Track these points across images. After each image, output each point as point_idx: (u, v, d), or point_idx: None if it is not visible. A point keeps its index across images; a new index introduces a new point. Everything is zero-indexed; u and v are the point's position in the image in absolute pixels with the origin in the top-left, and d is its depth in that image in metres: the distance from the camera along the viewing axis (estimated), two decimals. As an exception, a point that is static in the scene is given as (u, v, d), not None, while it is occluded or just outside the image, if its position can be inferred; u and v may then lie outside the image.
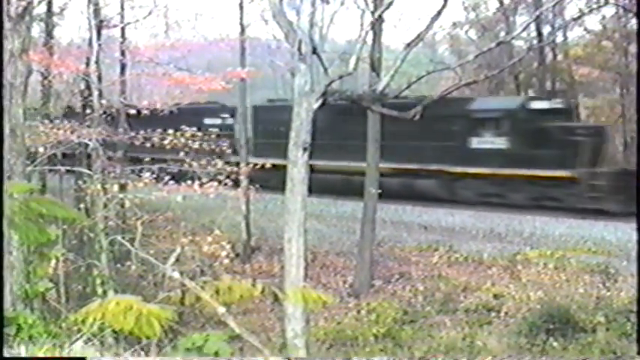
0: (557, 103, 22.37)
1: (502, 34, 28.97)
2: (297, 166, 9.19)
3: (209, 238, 14.36)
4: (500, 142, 20.51)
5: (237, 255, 19.39)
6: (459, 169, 21.31)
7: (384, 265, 19.17)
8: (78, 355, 5.17)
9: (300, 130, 9.07)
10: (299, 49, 8.75)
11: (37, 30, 19.86)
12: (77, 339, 6.03)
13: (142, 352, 6.09)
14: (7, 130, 6.48)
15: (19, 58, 6.79)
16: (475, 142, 20.97)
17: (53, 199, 4.69)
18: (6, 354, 3.74)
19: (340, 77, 9.66)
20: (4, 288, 3.28)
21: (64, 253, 12.21)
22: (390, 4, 10.67)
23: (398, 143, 19.85)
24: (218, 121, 23.42)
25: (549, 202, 20.24)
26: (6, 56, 6.59)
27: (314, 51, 8.97)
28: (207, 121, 21.51)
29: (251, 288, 7.80)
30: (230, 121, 24.64)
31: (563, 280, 16.89)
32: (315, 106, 9.12)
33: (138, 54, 17.84)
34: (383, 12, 12.04)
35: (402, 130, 18.64)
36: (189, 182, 14.67)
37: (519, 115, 21.01)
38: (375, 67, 15.49)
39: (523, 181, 19.82)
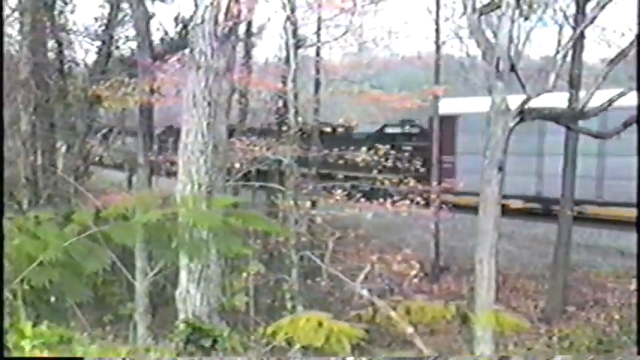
0: (408, 128, 28.67)
1: None
2: (491, 185, 8.97)
3: (398, 257, 14.30)
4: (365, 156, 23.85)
5: (426, 274, 19.20)
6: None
7: (577, 290, 18.29)
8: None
9: (495, 149, 8.86)
10: (497, 66, 8.55)
11: (237, 49, 20.68)
12: (267, 352, 6.14)
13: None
14: (210, 146, 6.71)
15: (224, 76, 6.99)
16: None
17: (256, 213, 4.79)
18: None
19: (538, 95, 9.33)
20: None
21: (259, 268, 12.61)
22: (594, 19, 10.22)
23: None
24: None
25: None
26: (211, 75, 6.81)
27: (512, 68, 8.75)
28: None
29: (443, 309, 7.66)
30: None
31: None
32: (511, 124, 8.88)
33: (332, 72, 18.10)
34: (585, 28, 11.58)
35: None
36: (381, 200, 14.68)
37: (376, 137, 25.47)
38: (573, 84, 14.88)
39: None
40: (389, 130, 27.97)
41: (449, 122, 24.36)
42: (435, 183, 18.81)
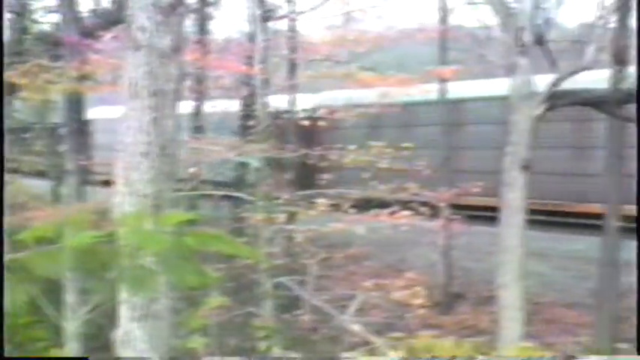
0: None
1: None
2: (515, 190, 9.05)
3: (399, 282, 14.31)
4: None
5: (435, 304, 19.24)
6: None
7: (632, 322, 18.39)
8: None
9: (518, 144, 8.93)
10: (519, 39, 8.63)
11: (188, 23, 20.50)
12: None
13: None
14: (156, 147, 6.67)
15: (172, 58, 6.89)
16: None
17: (216, 232, 4.78)
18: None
19: (572, 74, 9.42)
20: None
21: (223, 301, 12.56)
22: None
23: None
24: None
25: None
26: (155, 56, 6.77)
27: (538, 41, 8.82)
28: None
29: (454, 347, 7.73)
30: None
31: None
32: (538, 112, 8.96)
33: (311, 51, 18.06)
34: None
35: None
36: (375, 211, 14.66)
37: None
38: (620, 59, 14.94)
39: None
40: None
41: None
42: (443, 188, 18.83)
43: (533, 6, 8.73)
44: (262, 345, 13.55)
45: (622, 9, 15.18)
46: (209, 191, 17.41)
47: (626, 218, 17.75)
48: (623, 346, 17.36)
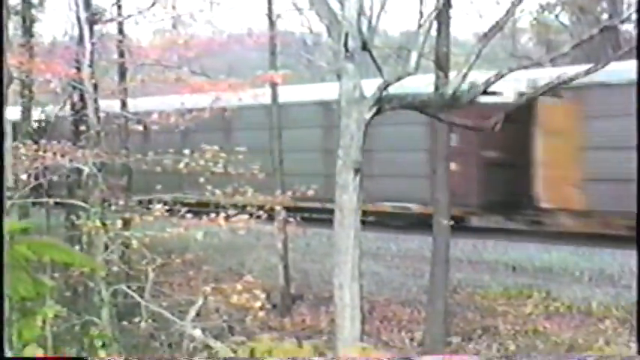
0: None
1: (605, 16, 28.73)
2: (348, 192, 9.23)
3: (238, 286, 14.38)
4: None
5: (274, 306, 19.40)
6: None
7: (462, 316, 19.02)
8: None
9: (349, 147, 9.11)
10: (345, 44, 8.81)
11: (11, 26, 19.93)
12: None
13: None
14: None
15: (-5, 63, 6.75)
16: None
17: (51, 240, 4.80)
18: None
19: (398, 79, 9.66)
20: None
21: (59, 310, 12.37)
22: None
23: None
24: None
25: None
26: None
27: (364, 47, 9.03)
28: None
29: (296, 349, 7.81)
30: None
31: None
32: (368, 116, 9.15)
33: (141, 55, 17.88)
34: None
35: None
36: (212, 215, 14.68)
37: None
38: (441, 65, 15.44)
39: None
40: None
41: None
42: (278, 191, 18.99)
43: (357, 12, 8.92)
44: (101, 353, 13.42)
45: (441, 18, 15.72)
46: (41, 199, 17.09)
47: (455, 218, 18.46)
48: (455, 339, 17.99)
